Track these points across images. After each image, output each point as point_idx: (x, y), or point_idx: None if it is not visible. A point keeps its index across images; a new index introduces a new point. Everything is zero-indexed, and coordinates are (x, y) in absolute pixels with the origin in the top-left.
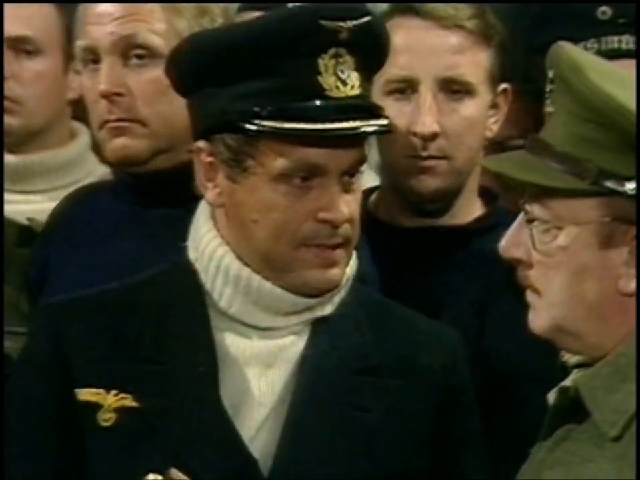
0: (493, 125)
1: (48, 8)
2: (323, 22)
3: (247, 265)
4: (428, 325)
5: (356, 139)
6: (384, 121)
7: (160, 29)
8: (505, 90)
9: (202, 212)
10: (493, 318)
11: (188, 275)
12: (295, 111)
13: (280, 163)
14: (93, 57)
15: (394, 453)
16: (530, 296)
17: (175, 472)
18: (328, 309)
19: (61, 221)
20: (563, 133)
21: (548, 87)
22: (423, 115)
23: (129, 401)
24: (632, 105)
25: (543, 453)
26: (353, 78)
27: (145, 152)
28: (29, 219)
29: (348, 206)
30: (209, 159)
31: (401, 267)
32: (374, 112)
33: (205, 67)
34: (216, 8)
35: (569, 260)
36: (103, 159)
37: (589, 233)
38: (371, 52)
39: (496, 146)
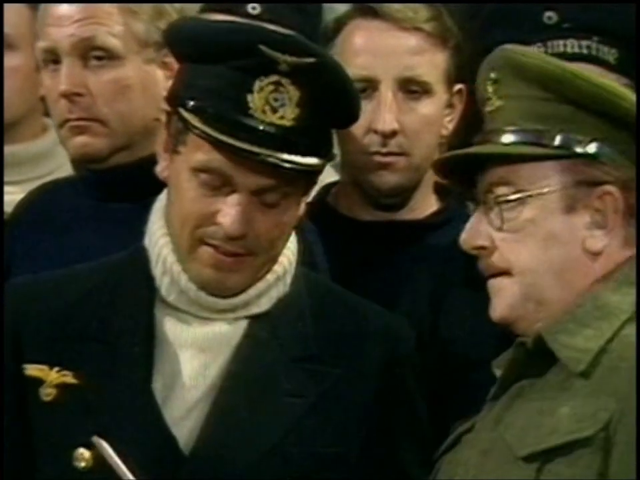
0: (449, 124)
1: (21, 5)
2: (262, 46)
3: (179, 260)
4: (376, 314)
5: (263, 164)
6: (304, 160)
7: (118, 31)
8: (460, 90)
9: (159, 201)
10: (448, 308)
11: (140, 260)
12: (210, 115)
13: (196, 157)
14: (53, 58)
15: (324, 437)
16: (495, 281)
17: (97, 440)
18: (264, 305)
19: (26, 213)
20: (517, 115)
21: (490, 89)
22: (383, 113)
23: (69, 378)
24: (585, 73)
25: (497, 410)
26: (289, 110)
27: (104, 149)
28: None
29: (256, 223)
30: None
31: (359, 259)
32: (299, 149)
33: (181, 45)
34: (172, 10)
35: (536, 230)
36: None
37: (553, 200)
38: (323, 96)
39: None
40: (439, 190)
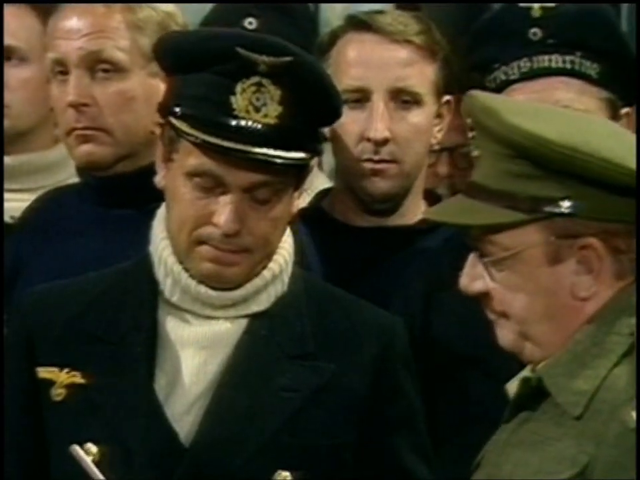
0: (438, 133)
1: (32, 20)
2: (240, 50)
3: (180, 261)
4: (370, 313)
5: (251, 161)
6: (290, 154)
7: (124, 46)
8: (448, 101)
9: (162, 207)
10: (438, 308)
11: (145, 265)
12: (197, 119)
13: (189, 162)
14: (62, 69)
15: (320, 430)
16: (497, 320)
17: (75, 448)
18: (264, 304)
19: (32, 219)
20: (493, 172)
21: (470, 134)
22: (375, 122)
23: (78, 378)
24: (549, 134)
25: (506, 434)
26: (271, 109)
27: (108, 158)
28: (11, 217)
29: (250, 220)
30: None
31: (353, 262)
32: (285, 144)
33: (166, 58)
34: (176, 25)
35: (525, 283)
36: None
37: (537, 255)
38: (303, 93)
39: (447, 152)
40: (428, 196)
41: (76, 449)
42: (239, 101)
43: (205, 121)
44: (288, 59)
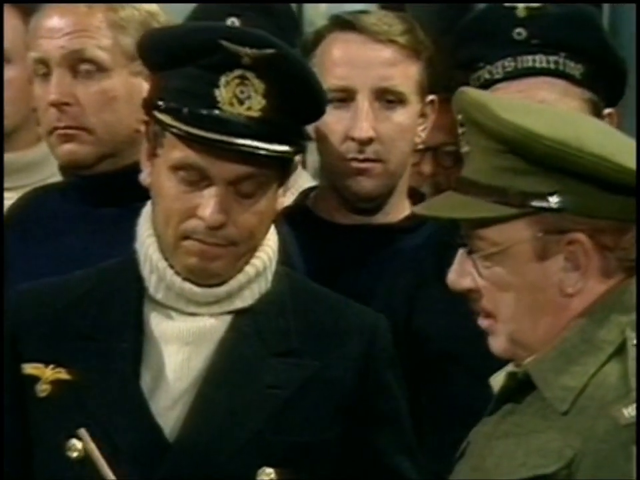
0: (422, 132)
1: (15, 20)
2: (224, 42)
3: (165, 258)
4: (354, 310)
5: (235, 153)
6: (274, 147)
7: (106, 45)
8: (432, 101)
9: (148, 205)
10: (421, 305)
11: (131, 262)
12: (182, 111)
13: (173, 156)
14: (44, 68)
15: (303, 427)
16: (485, 321)
17: (83, 433)
18: (248, 300)
19: (16, 218)
20: (483, 167)
21: (460, 130)
22: (360, 121)
23: (63, 374)
24: (539, 129)
25: (490, 426)
26: (255, 101)
27: (91, 157)
28: None
29: (234, 213)
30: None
31: (337, 260)
32: (269, 137)
33: (151, 54)
34: (157, 25)
35: (513, 279)
36: None
37: (526, 250)
38: (285, 85)
39: (431, 151)
40: (412, 195)
41: (85, 435)
42: (222, 93)
43: (188, 113)
44: (271, 51)
